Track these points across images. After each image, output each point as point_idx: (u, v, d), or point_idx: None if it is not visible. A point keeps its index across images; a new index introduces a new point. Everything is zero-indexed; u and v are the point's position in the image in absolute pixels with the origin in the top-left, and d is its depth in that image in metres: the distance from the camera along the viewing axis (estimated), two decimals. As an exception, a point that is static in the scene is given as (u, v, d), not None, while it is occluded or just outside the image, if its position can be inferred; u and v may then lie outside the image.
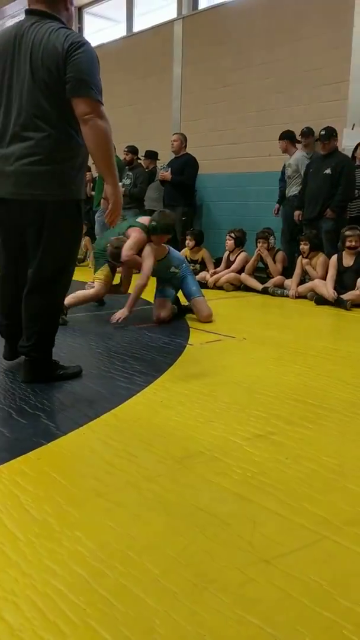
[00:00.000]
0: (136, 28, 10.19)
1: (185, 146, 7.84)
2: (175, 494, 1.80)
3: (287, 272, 6.43)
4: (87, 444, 2.16)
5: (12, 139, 2.58)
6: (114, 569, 1.41)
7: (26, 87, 2.54)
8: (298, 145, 7.10)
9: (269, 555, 1.48)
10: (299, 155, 6.91)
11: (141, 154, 8.52)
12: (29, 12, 2.63)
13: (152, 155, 8.58)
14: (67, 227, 2.70)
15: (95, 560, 1.44)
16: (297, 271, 6.16)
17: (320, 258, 5.94)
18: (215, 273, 6.58)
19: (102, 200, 2.88)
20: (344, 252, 5.65)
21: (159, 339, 3.88)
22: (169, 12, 9.52)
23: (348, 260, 5.60)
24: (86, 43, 2.54)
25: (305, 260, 6.00)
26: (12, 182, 2.59)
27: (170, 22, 9.28)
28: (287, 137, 7.07)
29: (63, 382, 2.83)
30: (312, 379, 3.03)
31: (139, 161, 8.45)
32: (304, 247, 6.01)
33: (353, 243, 5.54)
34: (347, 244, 5.56)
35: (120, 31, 10.52)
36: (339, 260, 5.64)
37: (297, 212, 6.72)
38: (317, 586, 1.36)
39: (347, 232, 5.62)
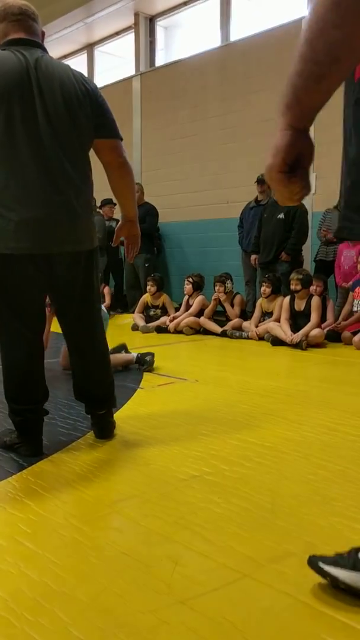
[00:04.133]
0: (97, 84, 10.52)
1: (143, 195, 8.00)
2: (100, 538, 1.76)
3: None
4: (16, 491, 2.11)
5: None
6: (21, 619, 1.36)
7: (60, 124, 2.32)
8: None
9: (186, 596, 1.45)
10: None
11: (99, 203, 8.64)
12: (26, 42, 2.36)
13: (108, 202, 8.60)
14: None
15: (4, 610, 1.39)
16: (256, 313, 6.25)
17: (278, 300, 6.04)
18: (175, 318, 6.63)
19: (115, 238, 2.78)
20: (296, 297, 5.75)
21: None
22: (128, 69, 9.88)
23: (300, 305, 5.69)
24: None
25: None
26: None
27: (129, 79, 9.62)
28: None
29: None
30: (256, 419, 3.04)
31: (98, 210, 8.56)
32: (266, 289, 6.12)
33: (294, 286, 5.63)
34: (292, 287, 5.67)
35: (82, 87, 10.84)
36: (292, 304, 5.74)
37: (253, 257, 6.86)
38: (230, 626, 1.33)
39: (292, 275, 5.74)
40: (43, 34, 2.50)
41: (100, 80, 10.60)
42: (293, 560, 1.62)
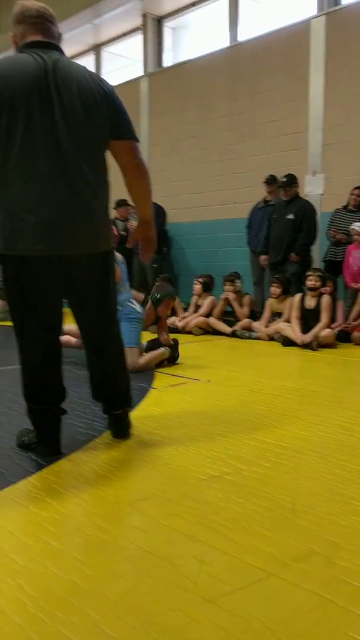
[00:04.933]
0: (104, 85, 10.53)
1: (151, 196, 8.00)
2: (124, 537, 1.77)
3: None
4: (37, 490, 2.13)
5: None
6: (53, 617, 1.37)
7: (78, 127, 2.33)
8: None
9: (213, 595, 1.46)
10: None
11: (112, 205, 8.65)
12: (44, 44, 2.37)
13: (124, 203, 8.65)
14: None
15: (35, 609, 1.40)
16: (266, 314, 6.26)
17: (288, 301, 6.04)
18: (184, 318, 6.64)
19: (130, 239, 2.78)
20: (306, 295, 5.76)
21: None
22: (136, 70, 9.90)
23: (310, 302, 5.71)
24: None
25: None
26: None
27: (137, 80, 9.64)
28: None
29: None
30: (271, 419, 3.05)
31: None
32: (276, 289, 6.12)
33: (313, 282, 5.65)
34: (308, 283, 5.68)
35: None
36: (302, 302, 5.75)
37: (262, 257, 6.87)
38: (259, 624, 1.34)
39: (309, 273, 5.75)
40: (60, 35, 2.52)
41: (108, 81, 10.62)
42: (317, 559, 1.64)
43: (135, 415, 3.08)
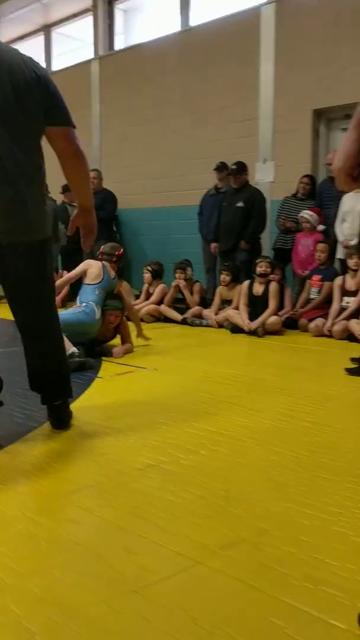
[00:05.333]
0: (55, 67, 10.32)
1: (102, 181, 7.92)
2: (55, 530, 1.76)
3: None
4: (-28, 484, 2.09)
5: None
6: (-26, 613, 1.35)
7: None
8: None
9: (139, 585, 1.47)
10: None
11: (59, 190, 8.49)
12: None
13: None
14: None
15: None
16: (216, 301, 6.30)
17: (237, 288, 6.08)
18: (135, 305, 6.61)
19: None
20: (255, 282, 5.81)
21: (68, 373, 3.83)
22: (86, 53, 9.71)
23: (258, 289, 5.76)
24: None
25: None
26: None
27: (88, 62, 9.46)
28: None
29: None
30: (213, 407, 3.07)
31: (49, 196, 8.39)
32: (225, 277, 6.15)
33: (264, 269, 5.71)
34: (258, 270, 5.73)
35: (39, 70, 10.61)
36: (250, 289, 5.80)
37: (213, 245, 6.89)
38: (182, 613, 1.36)
39: (259, 260, 5.80)
40: None
41: (58, 63, 10.41)
42: (246, 546, 1.66)
43: (77, 405, 3.05)
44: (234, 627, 1.30)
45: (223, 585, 1.47)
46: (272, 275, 5.82)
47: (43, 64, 2.50)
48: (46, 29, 10.59)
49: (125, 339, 4.58)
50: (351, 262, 5.46)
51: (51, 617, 1.34)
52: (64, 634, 1.28)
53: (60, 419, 2.70)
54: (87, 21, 9.74)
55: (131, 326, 4.72)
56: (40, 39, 10.68)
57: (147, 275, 6.76)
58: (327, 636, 1.27)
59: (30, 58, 2.41)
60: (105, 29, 9.49)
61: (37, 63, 2.42)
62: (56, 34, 10.58)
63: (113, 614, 1.35)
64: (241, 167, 6.52)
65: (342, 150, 1.37)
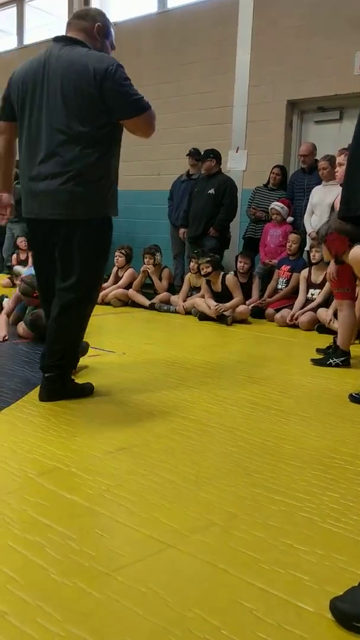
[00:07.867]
0: (27, 41, 10.05)
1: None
2: (23, 511, 1.75)
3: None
4: None
5: (43, 159, 2.64)
6: None
7: (56, 108, 2.61)
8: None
9: (111, 567, 1.47)
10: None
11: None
12: (57, 39, 2.73)
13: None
14: (94, 246, 2.73)
15: None
16: (184, 288, 6.29)
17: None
18: (103, 289, 6.55)
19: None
20: (211, 279, 5.76)
21: (35, 354, 3.79)
22: (60, 28, 9.48)
23: (216, 287, 5.69)
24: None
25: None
26: (41, 202, 2.67)
27: (61, 38, 9.24)
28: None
29: None
30: (181, 392, 3.09)
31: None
32: (195, 264, 6.12)
33: (209, 269, 5.60)
34: (202, 271, 5.69)
35: (11, 43, 10.34)
36: (209, 285, 5.77)
37: (182, 230, 6.88)
38: (153, 595, 1.37)
39: (201, 259, 5.74)
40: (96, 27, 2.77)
41: (31, 37, 10.13)
42: (215, 530, 1.68)
43: (45, 387, 3.02)
44: (205, 609, 1.32)
45: (194, 569, 1.49)
46: (239, 265, 5.87)
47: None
48: (19, 1, 10.29)
49: None
50: (312, 254, 5.50)
51: (23, 597, 1.33)
52: (35, 614, 1.27)
53: (44, 390, 2.82)
54: (63, -5, 9.51)
55: None
56: (12, 10, 10.38)
57: (120, 259, 6.70)
58: (297, 618, 1.30)
59: (98, 58, 2.62)
60: (81, 5, 9.27)
61: (105, 64, 2.60)
62: (30, 6, 10.30)
63: (85, 596, 1.35)
64: (209, 154, 6.49)
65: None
